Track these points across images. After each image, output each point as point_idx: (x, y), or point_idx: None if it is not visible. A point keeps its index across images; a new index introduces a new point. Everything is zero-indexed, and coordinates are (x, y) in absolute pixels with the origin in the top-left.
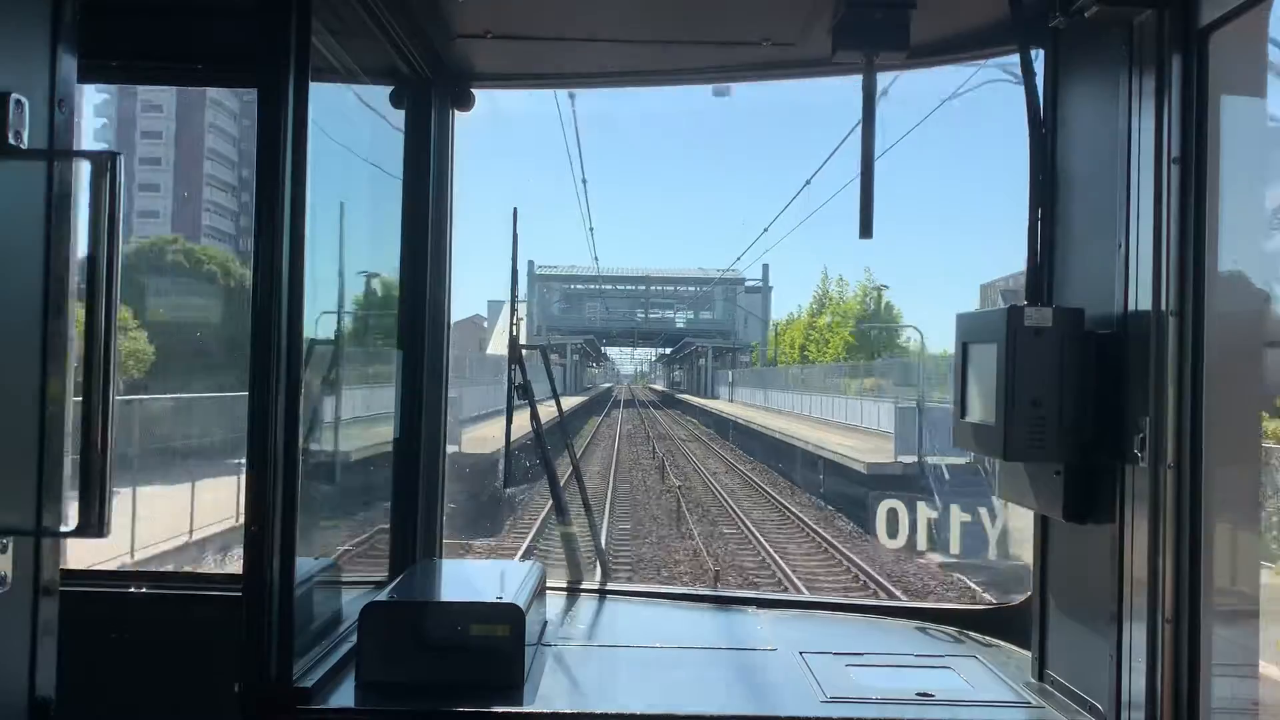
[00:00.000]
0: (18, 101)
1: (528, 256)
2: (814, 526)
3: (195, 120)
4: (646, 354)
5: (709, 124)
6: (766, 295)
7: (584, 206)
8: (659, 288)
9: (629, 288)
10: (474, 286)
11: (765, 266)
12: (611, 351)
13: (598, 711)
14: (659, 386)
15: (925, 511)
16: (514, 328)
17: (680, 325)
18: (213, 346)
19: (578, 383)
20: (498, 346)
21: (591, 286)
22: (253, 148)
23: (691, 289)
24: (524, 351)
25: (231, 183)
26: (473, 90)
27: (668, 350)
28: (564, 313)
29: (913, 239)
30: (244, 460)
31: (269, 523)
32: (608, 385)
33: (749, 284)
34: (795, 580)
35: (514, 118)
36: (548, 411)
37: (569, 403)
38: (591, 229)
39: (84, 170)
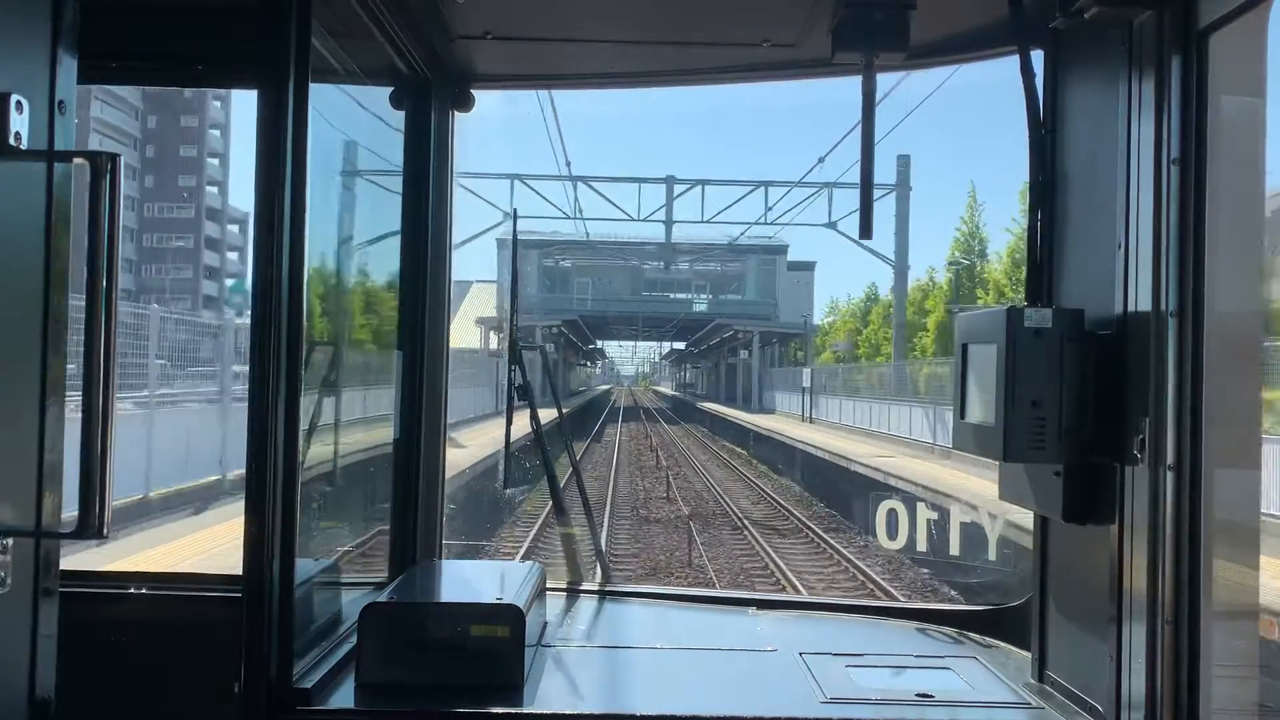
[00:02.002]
0: (18, 102)
1: (495, 222)
2: None
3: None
4: (649, 351)
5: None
6: (904, 208)
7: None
8: (674, 265)
9: (629, 263)
10: None
11: (904, 158)
12: (609, 347)
13: (597, 712)
14: (666, 389)
15: None
16: (514, 330)
17: (701, 309)
18: None
19: (558, 386)
20: (456, 338)
21: (581, 258)
22: (160, 184)
23: (714, 266)
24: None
25: (129, 226)
26: (472, 91)
27: (680, 344)
28: (546, 292)
29: None
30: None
31: (269, 523)
32: (605, 387)
33: (793, 259)
34: None
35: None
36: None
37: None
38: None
39: (84, 171)
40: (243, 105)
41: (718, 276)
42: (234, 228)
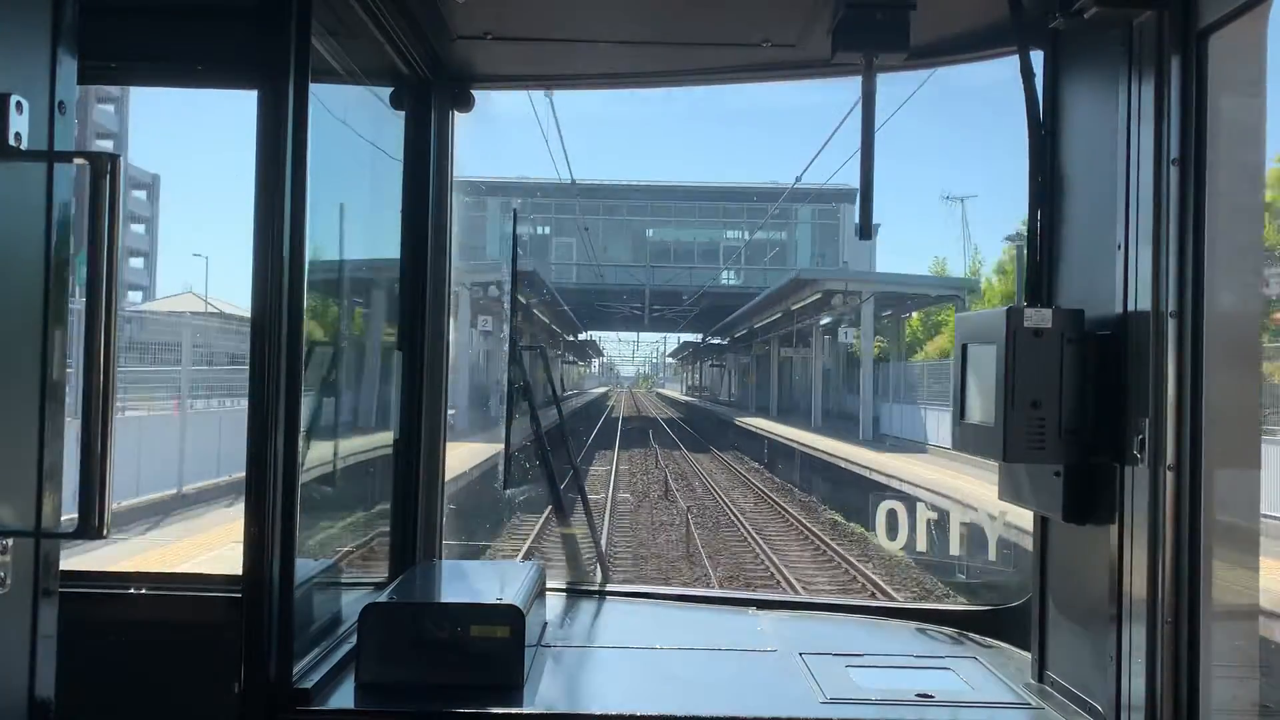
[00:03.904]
0: (18, 103)
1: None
2: None
3: None
4: (650, 349)
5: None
6: None
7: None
8: (689, 238)
9: (624, 215)
10: None
11: None
12: (606, 342)
13: (597, 713)
14: (673, 393)
15: None
16: (514, 329)
17: (732, 282)
18: None
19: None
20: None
21: (562, 206)
22: None
23: (742, 233)
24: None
25: None
26: (472, 91)
27: (694, 336)
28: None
29: None
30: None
31: (269, 523)
32: (601, 390)
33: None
34: None
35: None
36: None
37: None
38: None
39: (84, 172)
40: None
41: (748, 244)
42: (140, 193)
